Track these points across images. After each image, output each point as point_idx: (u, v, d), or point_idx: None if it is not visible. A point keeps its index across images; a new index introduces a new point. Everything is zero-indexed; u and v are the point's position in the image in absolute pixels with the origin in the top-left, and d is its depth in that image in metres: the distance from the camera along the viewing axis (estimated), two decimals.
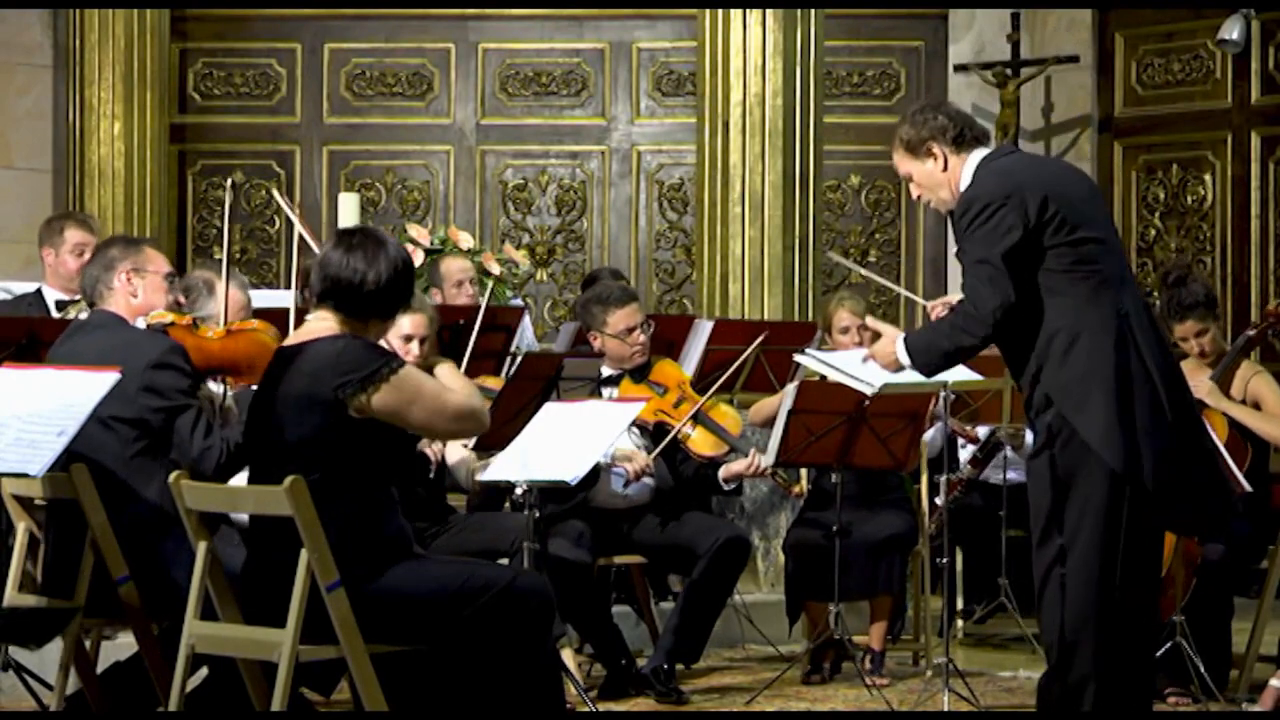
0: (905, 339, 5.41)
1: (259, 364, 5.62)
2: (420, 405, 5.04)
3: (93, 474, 5.52)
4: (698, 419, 7.53)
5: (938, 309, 5.50)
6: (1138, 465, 5.19)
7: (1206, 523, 5.45)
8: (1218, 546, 7.19)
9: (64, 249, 7.99)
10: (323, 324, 5.13)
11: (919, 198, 5.54)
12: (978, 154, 5.41)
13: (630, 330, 7.57)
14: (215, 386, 6.14)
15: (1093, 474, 5.22)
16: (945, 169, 5.42)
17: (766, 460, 7.35)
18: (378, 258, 5.10)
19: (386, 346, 5.36)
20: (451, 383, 5.20)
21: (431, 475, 6.84)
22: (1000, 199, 5.23)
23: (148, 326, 5.84)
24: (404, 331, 6.54)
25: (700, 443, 7.54)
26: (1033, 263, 5.23)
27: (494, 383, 7.26)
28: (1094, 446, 5.20)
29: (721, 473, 7.54)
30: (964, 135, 5.41)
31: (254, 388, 5.49)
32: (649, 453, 7.44)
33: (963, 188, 5.38)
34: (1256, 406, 7.41)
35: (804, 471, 7.97)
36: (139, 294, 5.91)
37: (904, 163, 5.48)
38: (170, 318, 5.86)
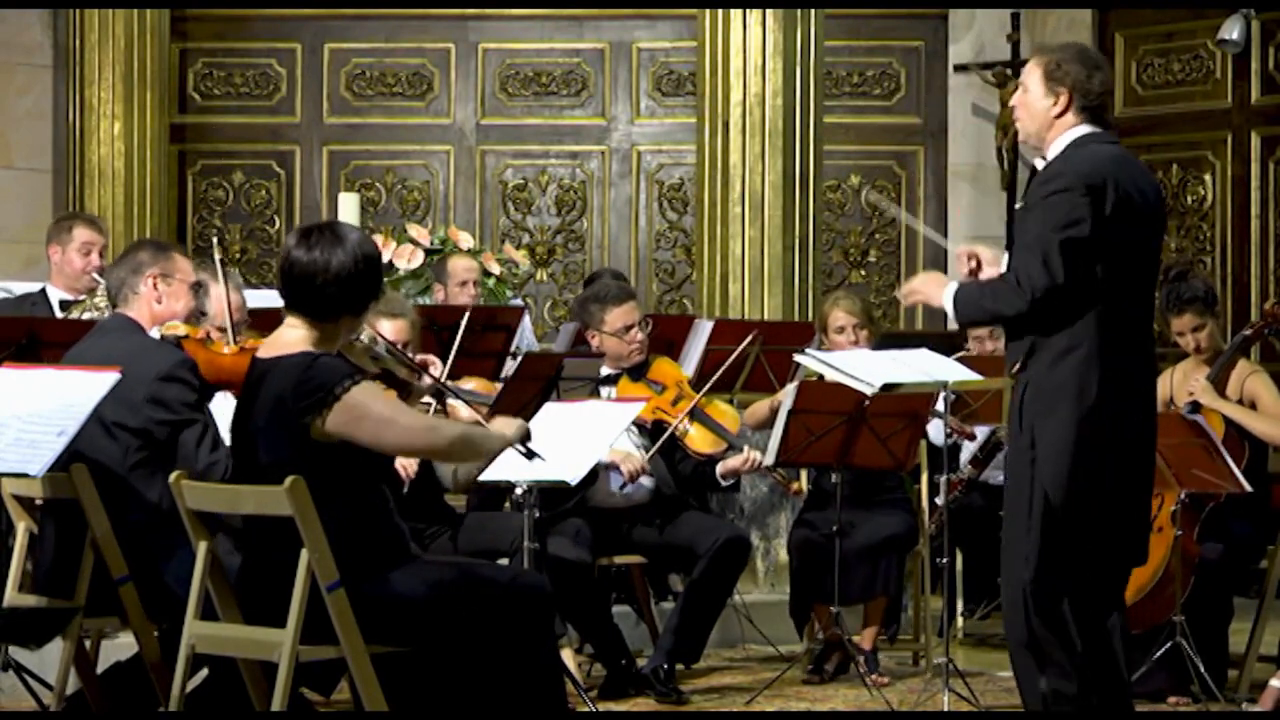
0: (958, 289, 5.41)
1: None
2: (370, 422, 4.93)
3: (93, 477, 5.51)
4: (695, 416, 7.53)
5: (963, 260, 5.50)
6: (1066, 494, 5.24)
7: (1127, 552, 5.47)
8: (1216, 546, 7.19)
9: (71, 247, 8.01)
10: (294, 332, 5.06)
11: (1013, 108, 5.51)
12: (1084, 129, 5.37)
13: (628, 328, 7.57)
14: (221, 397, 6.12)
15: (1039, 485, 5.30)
16: (1057, 117, 5.37)
17: (766, 461, 7.36)
18: (336, 252, 5.00)
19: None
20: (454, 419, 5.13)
21: (405, 490, 6.76)
22: (1085, 187, 5.22)
23: (161, 337, 5.84)
24: (386, 338, 6.50)
25: (698, 440, 7.54)
26: (1083, 258, 5.24)
27: (485, 387, 7.25)
28: (1037, 459, 5.26)
29: (719, 469, 7.54)
30: (1092, 110, 5.37)
31: None
32: (647, 451, 7.45)
33: (1053, 147, 5.37)
34: (1253, 406, 7.41)
35: (803, 470, 7.97)
36: (163, 300, 5.91)
37: (1032, 79, 5.40)
38: (185, 330, 5.85)
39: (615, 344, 7.58)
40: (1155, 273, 5.51)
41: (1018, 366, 5.39)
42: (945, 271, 12.06)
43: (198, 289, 6.03)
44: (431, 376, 5.61)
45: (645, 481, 7.43)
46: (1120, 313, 5.31)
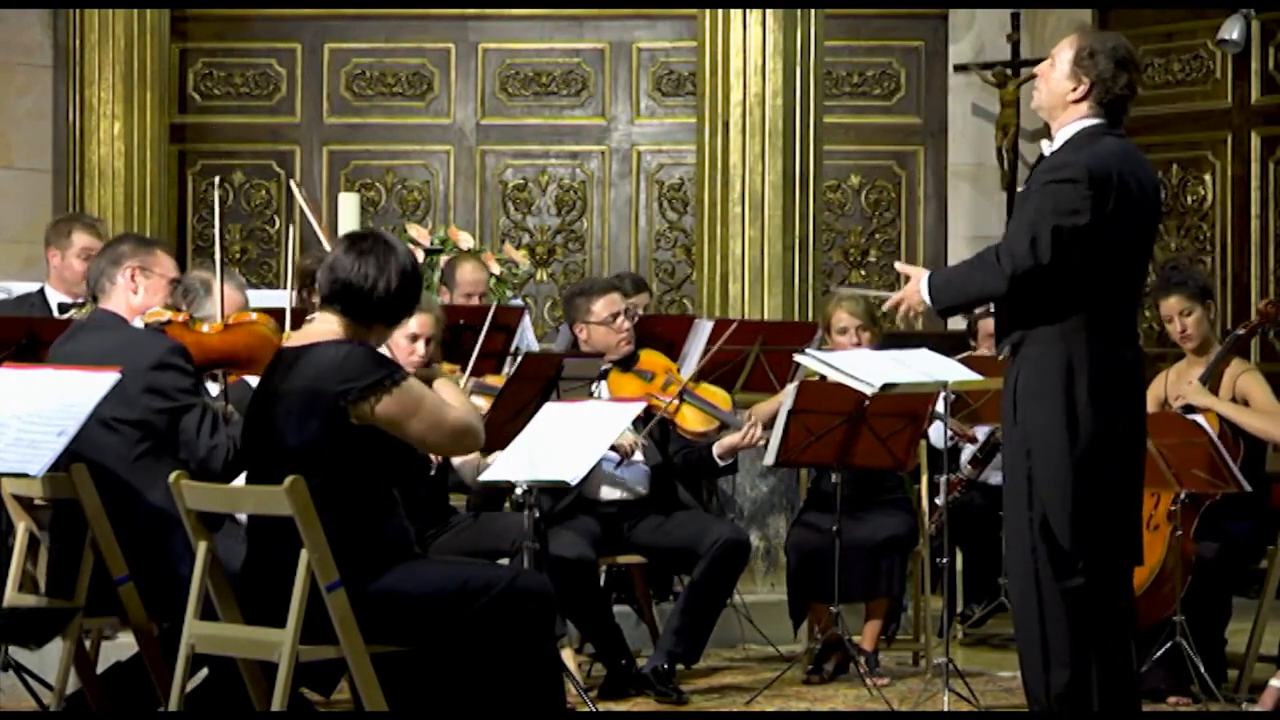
0: (931, 278, 5.43)
1: (258, 355, 5.63)
2: (419, 418, 5.04)
3: (99, 476, 5.52)
4: (685, 397, 7.54)
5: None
6: (1061, 488, 5.26)
7: (1124, 547, 5.49)
8: (1212, 544, 7.18)
9: (70, 252, 7.98)
10: (326, 326, 5.13)
11: (1037, 80, 5.50)
12: (1095, 121, 5.38)
13: (614, 316, 7.60)
14: (213, 386, 6.14)
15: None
16: (1072, 101, 5.38)
17: (766, 460, 7.36)
18: (389, 264, 5.11)
19: (388, 351, 5.35)
20: (450, 399, 5.20)
21: (433, 473, 6.85)
22: (1088, 179, 5.24)
23: (145, 325, 5.84)
24: (410, 331, 6.55)
25: (690, 419, 7.55)
26: (1078, 249, 5.25)
27: (496, 380, 7.27)
28: (1032, 452, 5.28)
29: (716, 448, 7.55)
30: (1108, 107, 5.37)
31: (254, 384, 5.50)
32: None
33: (1062, 131, 5.38)
34: (1245, 404, 7.40)
35: (804, 481, 7.98)
36: (139, 293, 5.91)
37: (1062, 57, 5.41)
38: (167, 315, 5.86)
39: (603, 334, 7.60)
40: (1146, 268, 5.52)
41: (1006, 354, 5.44)
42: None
43: (176, 286, 6.03)
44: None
45: (639, 463, 7.44)
46: (1112, 306, 5.33)
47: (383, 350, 5.34)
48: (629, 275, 10.50)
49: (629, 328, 7.65)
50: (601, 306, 7.62)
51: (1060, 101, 5.41)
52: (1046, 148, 5.46)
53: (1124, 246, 5.32)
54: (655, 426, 7.48)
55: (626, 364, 7.67)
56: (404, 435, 5.05)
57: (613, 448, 7.29)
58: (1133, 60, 5.42)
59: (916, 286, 5.46)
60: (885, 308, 5.71)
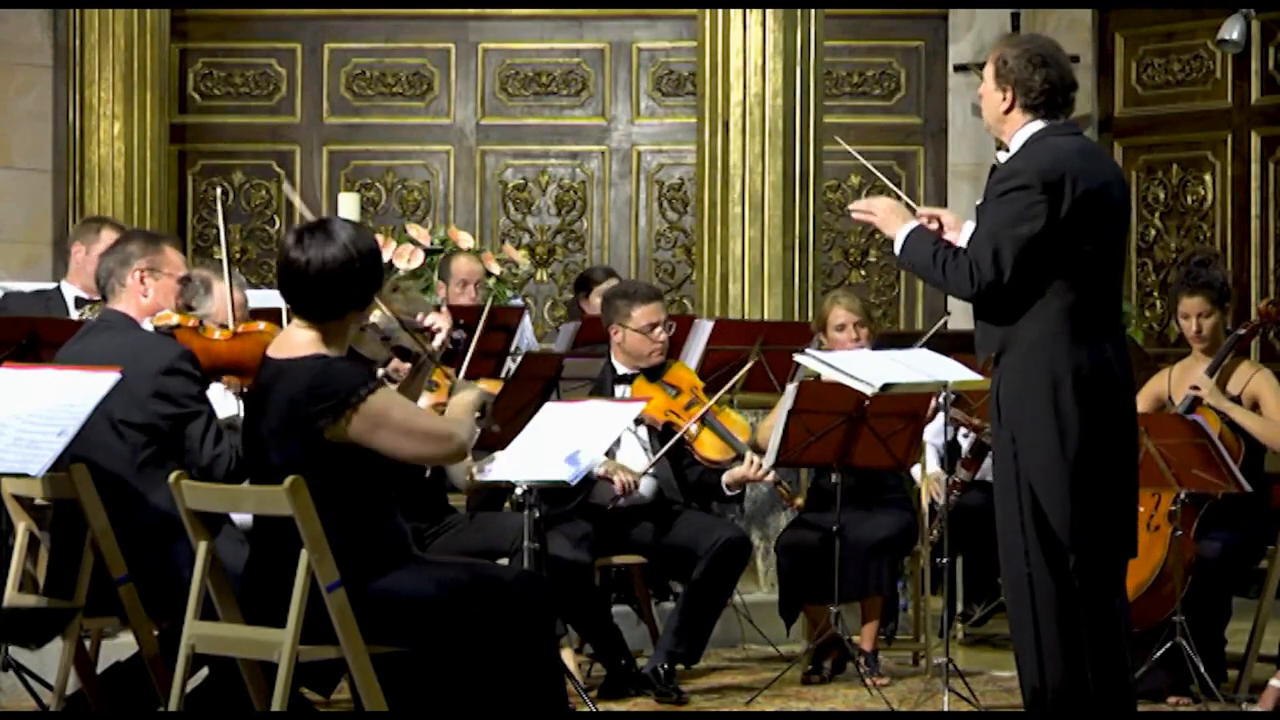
0: (910, 234, 5.43)
1: None
2: (389, 429, 4.95)
3: (103, 477, 5.51)
4: (706, 422, 7.54)
5: (924, 217, 5.52)
6: (1051, 489, 5.29)
7: (1118, 542, 5.49)
8: (1214, 544, 7.18)
9: (96, 249, 7.99)
10: (303, 333, 5.06)
11: (980, 97, 5.57)
12: (1038, 124, 5.39)
13: (653, 326, 7.60)
14: (224, 390, 6.12)
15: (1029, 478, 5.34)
16: (1007, 113, 5.43)
17: (766, 461, 7.36)
18: (326, 247, 4.99)
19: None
20: (453, 411, 5.14)
21: (427, 474, 6.83)
22: (1042, 185, 5.25)
23: (154, 329, 5.84)
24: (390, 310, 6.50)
25: (707, 446, 7.55)
26: (1040, 254, 5.26)
27: (491, 386, 7.26)
28: (1020, 454, 5.28)
29: (725, 478, 7.55)
30: (1039, 108, 5.39)
31: None
32: (655, 453, 7.46)
33: (1013, 141, 5.41)
34: (1255, 405, 7.39)
35: (804, 481, 7.97)
36: (149, 294, 5.91)
37: (987, 73, 5.48)
38: (176, 319, 5.85)
39: (638, 341, 7.60)
40: (1120, 262, 5.52)
41: (990, 361, 5.46)
42: None
43: (186, 283, 6.02)
44: (425, 351, 5.52)
45: (644, 491, 7.44)
46: (1086, 303, 5.33)
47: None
48: (599, 267, 10.55)
49: (665, 339, 7.65)
50: (641, 315, 7.61)
51: (997, 114, 5.47)
52: (1002, 158, 5.49)
53: (1090, 245, 5.31)
54: (673, 446, 7.48)
55: (654, 374, 7.66)
56: (377, 448, 4.96)
57: (612, 480, 7.30)
58: (1049, 55, 5.42)
59: (897, 223, 5.47)
60: (854, 205, 5.68)
